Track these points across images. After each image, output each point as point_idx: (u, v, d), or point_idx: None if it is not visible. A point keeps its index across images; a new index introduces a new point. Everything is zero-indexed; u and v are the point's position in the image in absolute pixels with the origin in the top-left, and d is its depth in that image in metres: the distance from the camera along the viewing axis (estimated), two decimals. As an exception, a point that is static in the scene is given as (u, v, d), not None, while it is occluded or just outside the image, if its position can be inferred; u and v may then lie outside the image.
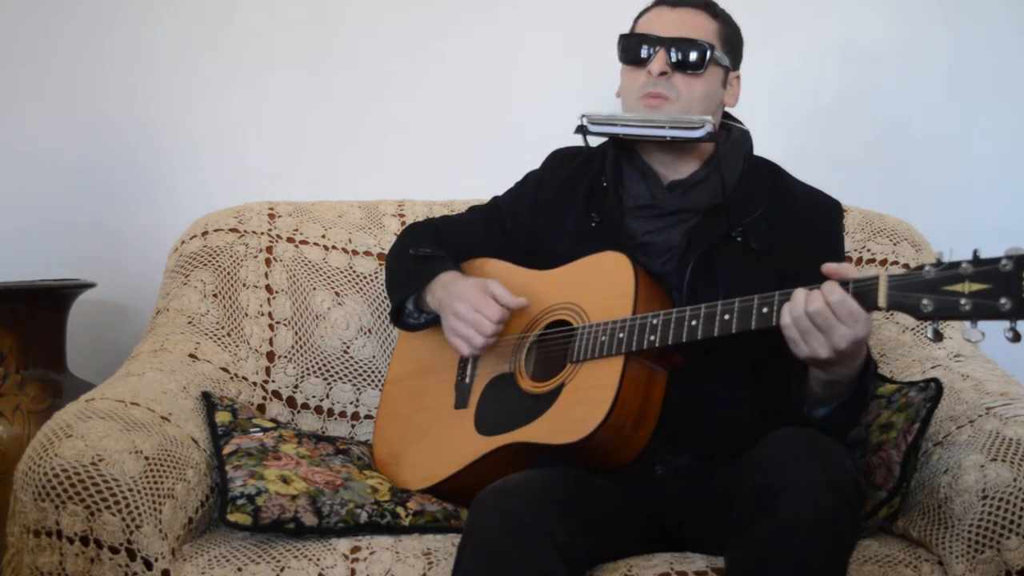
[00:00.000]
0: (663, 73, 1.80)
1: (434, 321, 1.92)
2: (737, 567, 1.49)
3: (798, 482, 1.43)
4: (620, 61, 1.86)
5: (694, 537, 1.70)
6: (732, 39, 1.88)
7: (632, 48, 1.83)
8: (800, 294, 1.52)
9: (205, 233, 2.24)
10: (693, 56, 1.80)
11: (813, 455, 1.47)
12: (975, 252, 1.38)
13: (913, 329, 2.15)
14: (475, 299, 1.80)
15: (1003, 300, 1.34)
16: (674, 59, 1.80)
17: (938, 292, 1.39)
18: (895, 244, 2.24)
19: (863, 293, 1.47)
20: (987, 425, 1.71)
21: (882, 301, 1.45)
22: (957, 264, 1.38)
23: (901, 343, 2.14)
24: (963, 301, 1.37)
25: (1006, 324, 1.34)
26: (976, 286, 1.36)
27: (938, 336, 1.41)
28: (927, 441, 1.77)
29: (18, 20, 2.62)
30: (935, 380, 1.79)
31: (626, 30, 1.89)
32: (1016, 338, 1.34)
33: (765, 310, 1.55)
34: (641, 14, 1.90)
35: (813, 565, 1.43)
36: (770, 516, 1.44)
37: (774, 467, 1.46)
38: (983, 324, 1.37)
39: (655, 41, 1.81)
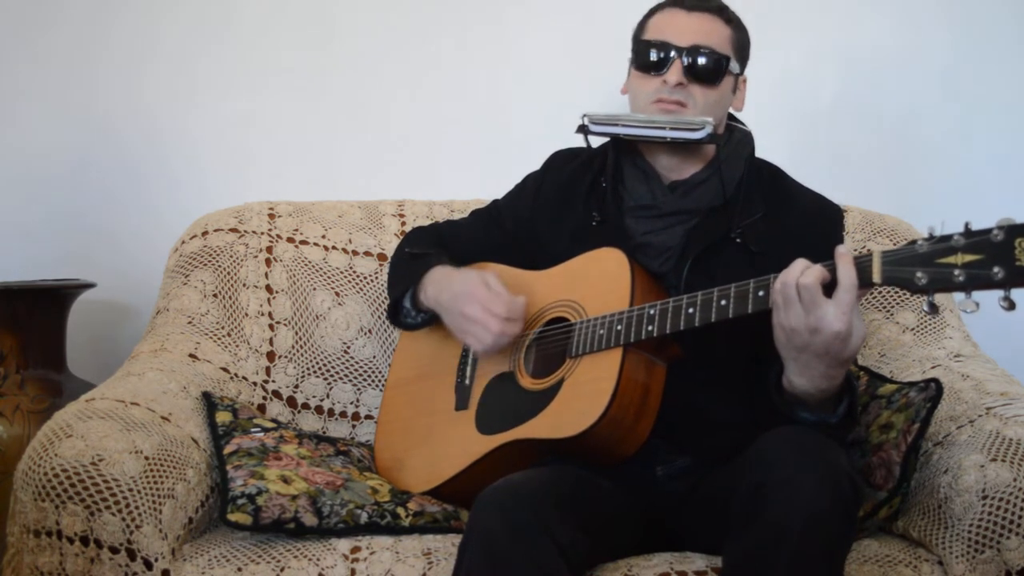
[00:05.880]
0: (679, 84, 1.79)
1: (431, 320, 1.92)
2: (732, 567, 1.48)
3: (791, 482, 1.43)
4: (633, 66, 1.84)
5: (694, 537, 1.70)
6: (743, 44, 1.86)
7: (647, 54, 1.81)
8: (799, 264, 1.51)
9: (205, 233, 2.24)
10: (709, 68, 1.79)
11: (807, 454, 1.46)
12: (967, 224, 1.38)
13: (913, 329, 2.15)
14: (484, 298, 1.78)
15: (996, 269, 1.33)
16: (690, 69, 1.79)
17: (932, 265, 1.39)
18: (895, 244, 2.23)
19: (858, 270, 1.47)
20: (987, 425, 1.71)
21: (876, 276, 1.44)
22: (949, 237, 1.38)
23: (901, 343, 2.14)
24: (957, 272, 1.37)
25: (1000, 293, 1.34)
26: (969, 257, 1.36)
27: (934, 309, 1.40)
28: (927, 441, 1.77)
29: (19, 20, 2.62)
30: (935, 380, 1.78)
31: (629, 29, 1.88)
32: (1011, 306, 1.34)
33: (761, 293, 1.55)
34: (653, 12, 1.87)
35: (807, 564, 1.42)
36: (763, 516, 1.43)
37: (768, 466, 1.46)
38: (978, 295, 1.37)
39: (671, 49, 1.79)
